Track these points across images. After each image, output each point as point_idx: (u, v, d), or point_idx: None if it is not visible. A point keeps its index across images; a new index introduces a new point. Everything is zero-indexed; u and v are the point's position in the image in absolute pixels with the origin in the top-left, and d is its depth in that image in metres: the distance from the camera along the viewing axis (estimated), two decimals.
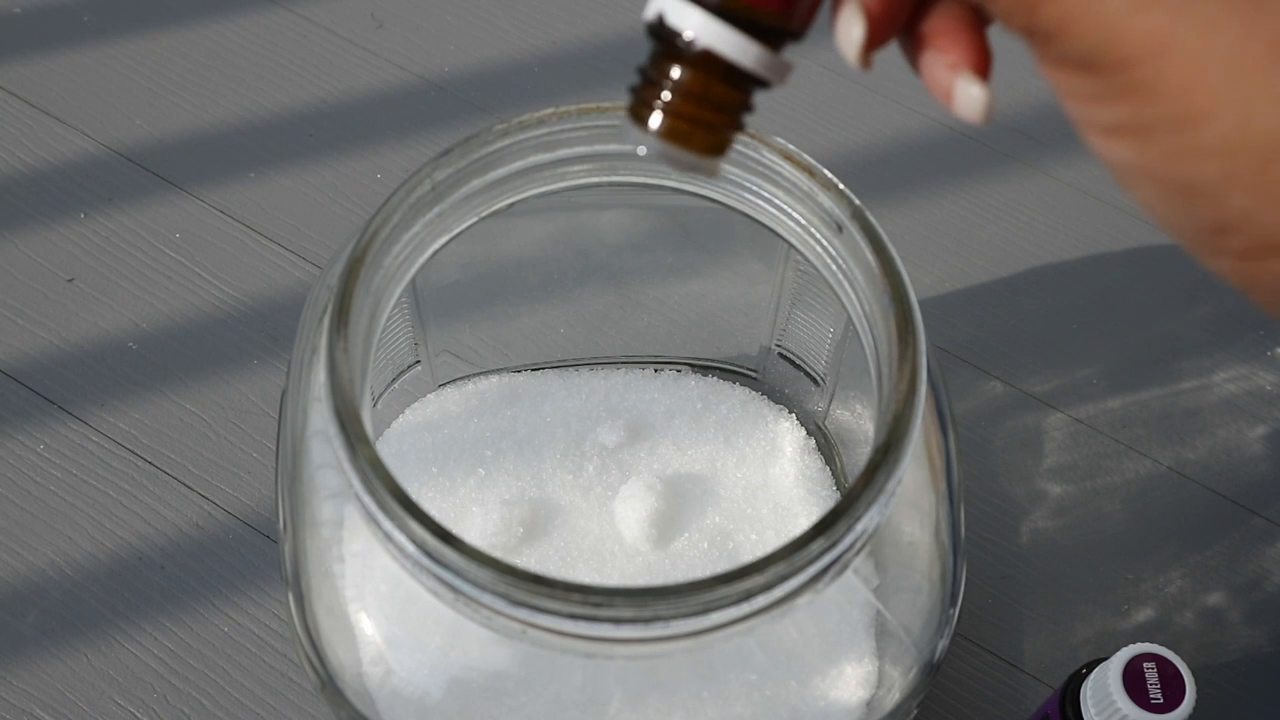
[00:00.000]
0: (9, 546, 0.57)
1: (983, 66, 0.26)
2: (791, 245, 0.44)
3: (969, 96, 0.26)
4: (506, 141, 0.43)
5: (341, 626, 0.44)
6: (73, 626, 0.56)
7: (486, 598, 0.36)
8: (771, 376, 0.55)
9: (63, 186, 0.67)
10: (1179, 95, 0.22)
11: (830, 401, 0.53)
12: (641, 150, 0.28)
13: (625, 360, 0.55)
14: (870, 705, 0.46)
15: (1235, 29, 0.21)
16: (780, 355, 0.54)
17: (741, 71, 0.27)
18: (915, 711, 0.46)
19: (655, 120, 0.28)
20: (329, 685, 0.43)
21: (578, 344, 0.57)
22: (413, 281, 0.44)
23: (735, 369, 0.55)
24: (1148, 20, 0.22)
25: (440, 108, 0.70)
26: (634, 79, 0.29)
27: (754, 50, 0.27)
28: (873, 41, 0.27)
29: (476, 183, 0.43)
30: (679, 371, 0.54)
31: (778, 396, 0.54)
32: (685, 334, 0.57)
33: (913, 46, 0.27)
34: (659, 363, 0.55)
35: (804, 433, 0.53)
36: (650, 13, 0.28)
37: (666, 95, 0.28)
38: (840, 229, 0.42)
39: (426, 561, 0.36)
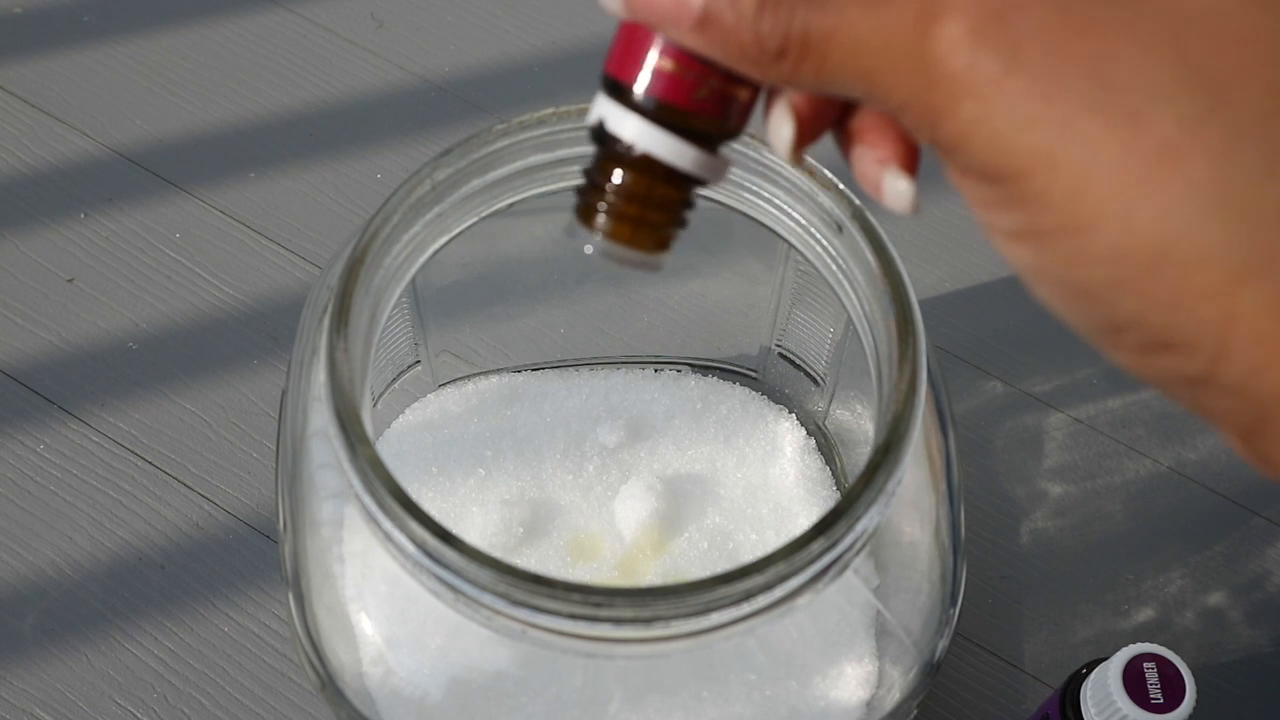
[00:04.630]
0: (9, 546, 0.57)
1: (909, 161, 0.28)
2: (791, 245, 0.44)
3: (896, 191, 0.28)
4: (506, 141, 0.43)
5: (341, 626, 0.44)
6: (73, 626, 0.56)
7: (486, 598, 0.36)
8: (771, 376, 0.55)
9: (63, 186, 0.67)
10: (1067, 206, 0.23)
11: (830, 401, 0.53)
12: (588, 249, 0.29)
13: (625, 360, 0.55)
14: (870, 705, 0.46)
15: (1114, 145, 0.23)
16: (780, 355, 0.54)
17: (681, 173, 0.28)
18: (915, 711, 0.46)
19: (600, 222, 0.29)
20: (329, 685, 0.43)
21: (578, 344, 0.57)
22: (413, 281, 0.44)
23: (735, 369, 0.55)
24: (1033, 138, 0.23)
25: (440, 108, 0.70)
26: (580, 180, 0.30)
27: (691, 153, 0.28)
28: (802, 140, 0.28)
29: (476, 183, 0.43)
30: (679, 371, 0.54)
31: (778, 396, 0.54)
32: (685, 334, 0.57)
33: (843, 141, 0.28)
34: (659, 363, 0.55)
35: (804, 433, 0.53)
36: (591, 118, 0.29)
37: (610, 197, 0.29)
38: (840, 229, 0.42)
39: (426, 561, 0.36)
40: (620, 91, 0.28)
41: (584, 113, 0.43)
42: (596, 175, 0.29)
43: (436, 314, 0.51)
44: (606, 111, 0.28)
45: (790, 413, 0.54)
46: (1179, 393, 0.25)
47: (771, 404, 0.54)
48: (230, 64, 0.71)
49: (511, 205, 0.44)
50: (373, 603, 0.44)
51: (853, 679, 0.45)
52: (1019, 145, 0.23)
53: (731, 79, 0.27)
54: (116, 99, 0.70)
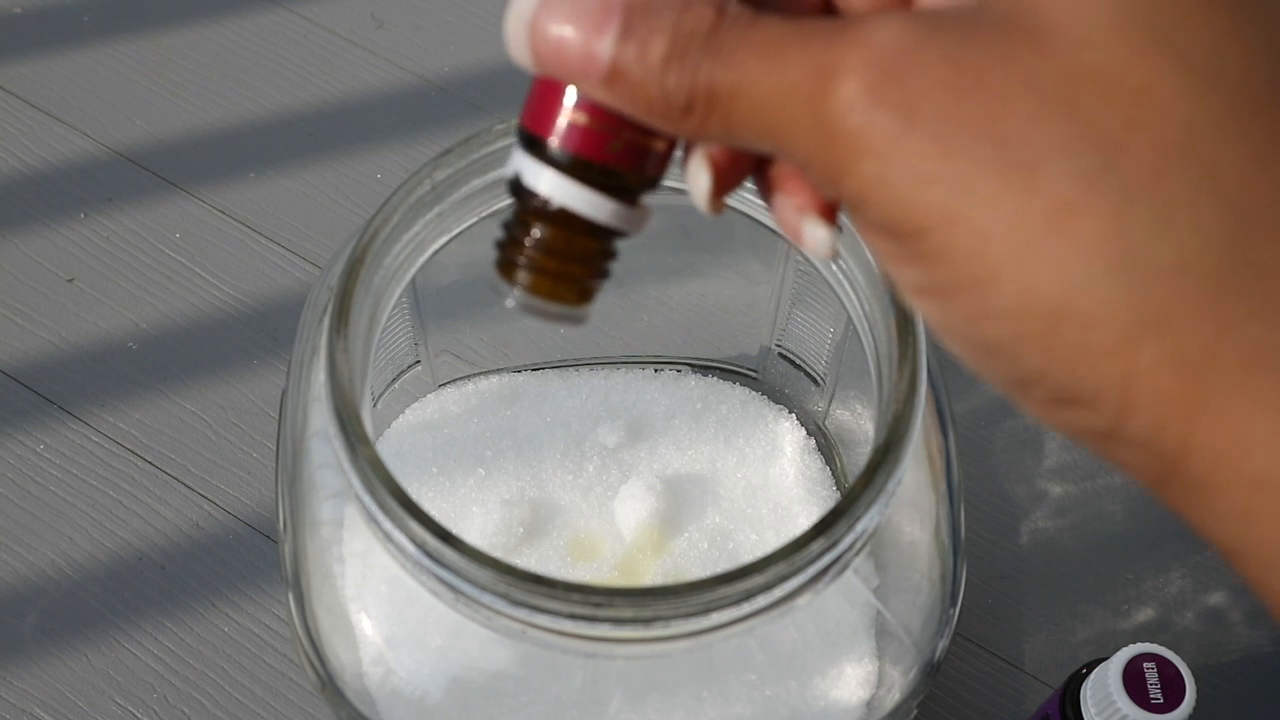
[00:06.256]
0: (9, 546, 0.57)
1: (827, 209, 0.27)
2: (791, 245, 0.44)
3: (815, 238, 0.28)
4: (506, 141, 0.43)
5: (341, 626, 0.44)
6: (73, 626, 0.56)
7: (486, 598, 0.36)
8: (771, 376, 0.55)
9: (63, 186, 0.67)
10: (967, 263, 0.23)
11: (830, 401, 0.53)
12: (510, 304, 0.29)
13: (625, 360, 0.55)
14: (870, 705, 0.46)
15: (1011, 202, 0.23)
16: (780, 355, 0.54)
17: (600, 226, 0.28)
18: (915, 711, 0.46)
19: (521, 277, 0.29)
20: (329, 685, 0.43)
21: (578, 344, 0.57)
22: (413, 281, 0.44)
23: (735, 369, 0.55)
24: (932, 196, 0.23)
25: (440, 108, 0.70)
26: (499, 234, 0.30)
27: (609, 206, 0.28)
28: (719, 189, 0.28)
29: (476, 183, 0.43)
30: (679, 371, 0.54)
31: (778, 396, 0.54)
32: (685, 334, 0.57)
33: (763, 188, 0.28)
34: (659, 363, 0.55)
35: (804, 433, 0.53)
36: (508, 171, 0.28)
37: (530, 252, 0.29)
38: (840, 229, 0.42)
39: (426, 561, 0.36)
40: (535, 145, 0.28)
41: None
42: (515, 229, 0.29)
43: (436, 314, 0.51)
44: (523, 165, 0.28)
45: (790, 413, 0.54)
46: (1089, 444, 0.25)
47: (771, 404, 0.54)
48: (230, 64, 0.71)
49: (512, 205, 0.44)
50: (373, 603, 0.44)
51: (853, 679, 0.45)
52: (918, 203, 0.23)
53: (646, 131, 0.27)
54: (116, 99, 0.70)
